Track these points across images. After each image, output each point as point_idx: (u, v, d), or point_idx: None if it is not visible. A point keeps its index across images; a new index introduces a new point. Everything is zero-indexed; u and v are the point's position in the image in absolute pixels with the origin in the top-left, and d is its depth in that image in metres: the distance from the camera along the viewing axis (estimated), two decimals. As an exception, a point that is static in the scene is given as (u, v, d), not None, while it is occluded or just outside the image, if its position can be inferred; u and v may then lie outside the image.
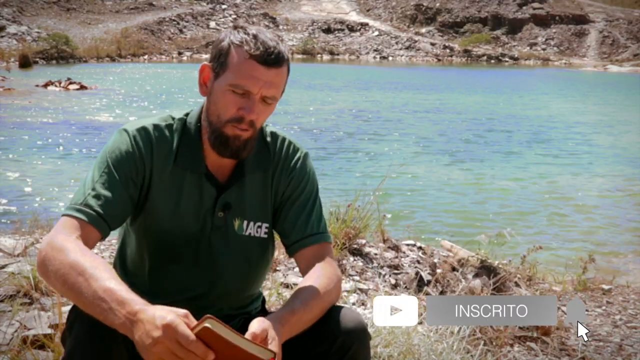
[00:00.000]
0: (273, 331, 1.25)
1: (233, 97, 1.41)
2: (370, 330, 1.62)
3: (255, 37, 1.40)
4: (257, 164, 1.55)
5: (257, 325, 1.24)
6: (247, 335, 1.22)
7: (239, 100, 1.41)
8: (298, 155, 1.60)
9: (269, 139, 1.59)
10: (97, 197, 1.38)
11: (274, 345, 1.23)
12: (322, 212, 1.61)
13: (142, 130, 1.48)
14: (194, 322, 1.14)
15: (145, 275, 1.54)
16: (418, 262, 3.60)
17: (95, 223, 1.36)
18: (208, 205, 1.51)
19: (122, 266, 1.60)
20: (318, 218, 1.58)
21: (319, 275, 1.46)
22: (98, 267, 1.21)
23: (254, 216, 1.56)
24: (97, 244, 1.41)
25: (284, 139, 1.61)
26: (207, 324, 1.11)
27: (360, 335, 1.40)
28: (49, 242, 1.29)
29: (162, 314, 1.11)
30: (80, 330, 1.26)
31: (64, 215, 1.38)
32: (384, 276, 3.34)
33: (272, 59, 1.40)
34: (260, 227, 1.57)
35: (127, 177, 1.43)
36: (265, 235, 1.58)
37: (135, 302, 1.15)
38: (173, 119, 1.53)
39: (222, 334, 1.12)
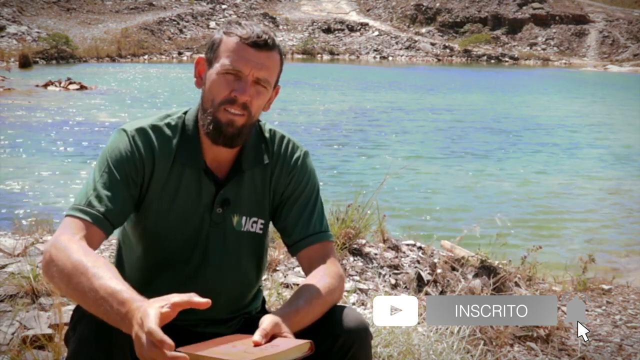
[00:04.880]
0: (285, 326, 1.27)
1: (226, 80, 1.44)
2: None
3: (245, 25, 1.46)
4: (256, 161, 1.55)
5: (268, 320, 1.25)
6: (258, 332, 1.22)
7: (232, 83, 1.43)
8: (298, 153, 1.60)
9: (267, 135, 1.59)
10: (99, 197, 1.39)
11: (291, 337, 1.24)
12: (324, 211, 1.61)
13: (141, 130, 1.49)
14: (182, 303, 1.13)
15: (143, 275, 1.54)
16: (418, 262, 3.60)
17: (98, 223, 1.37)
18: (207, 201, 1.51)
19: (120, 268, 1.60)
20: (320, 217, 1.58)
21: (322, 275, 1.46)
22: (100, 267, 1.22)
23: (250, 212, 1.56)
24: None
25: (282, 137, 1.61)
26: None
27: (361, 334, 1.40)
28: (53, 244, 1.30)
29: (147, 317, 1.09)
30: (84, 329, 1.26)
31: (67, 215, 1.38)
32: (384, 276, 3.34)
33: (262, 41, 1.44)
34: (256, 222, 1.57)
35: (128, 176, 1.44)
36: (261, 231, 1.58)
37: (135, 299, 1.15)
38: (172, 117, 1.54)
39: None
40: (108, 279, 1.19)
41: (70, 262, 1.24)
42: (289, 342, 1.21)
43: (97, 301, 1.18)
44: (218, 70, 1.44)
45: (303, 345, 1.19)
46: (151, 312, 1.09)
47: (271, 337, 1.24)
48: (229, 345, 1.20)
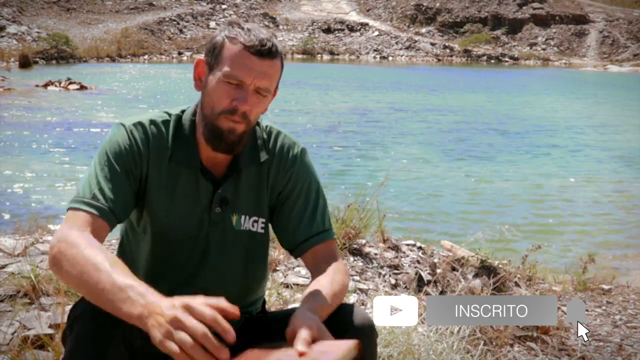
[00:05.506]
0: (320, 325, 1.24)
1: (227, 88, 1.41)
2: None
3: (249, 30, 1.42)
4: (253, 159, 1.54)
5: (303, 326, 1.20)
6: (300, 342, 1.16)
7: (232, 92, 1.41)
8: (295, 151, 1.59)
9: (264, 133, 1.58)
10: (102, 189, 1.38)
11: (329, 336, 1.22)
12: (326, 207, 1.59)
13: (139, 124, 1.48)
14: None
15: (144, 275, 1.53)
16: (418, 262, 3.60)
17: (104, 216, 1.36)
18: (205, 200, 1.51)
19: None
20: (322, 215, 1.57)
21: (334, 272, 1.46)
22: (117, 263, 1.21)
23: (250, 211, 1.55)
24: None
25: (279, 133, 1.60)
26: None
27: (367, 332, 1.39)
28: (62, 238, 1.28)
29: (180, 299, 1.09)
30: (81, 328, 1.25)
31: (72, 208, 1.37)
32: (384, 276, 3.34)
33: (265, 50, 1.41)
34: (256, 221, 1.56)
35: (128, 170, 1.44)
36: (262, 230, 1.57)
37: (153, 293, 1.14)
38: (169, 115, 1.53)
39: None
40: (123, 274, 1.18)
41: (83, 258, 1.22)
42: (337, 346, 1.15)
43: (113, 290, 1.15)
44: (219, 78, 1.41)
45: (353, 347, 1.12)
46: (198, 300, 1.09)
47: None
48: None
